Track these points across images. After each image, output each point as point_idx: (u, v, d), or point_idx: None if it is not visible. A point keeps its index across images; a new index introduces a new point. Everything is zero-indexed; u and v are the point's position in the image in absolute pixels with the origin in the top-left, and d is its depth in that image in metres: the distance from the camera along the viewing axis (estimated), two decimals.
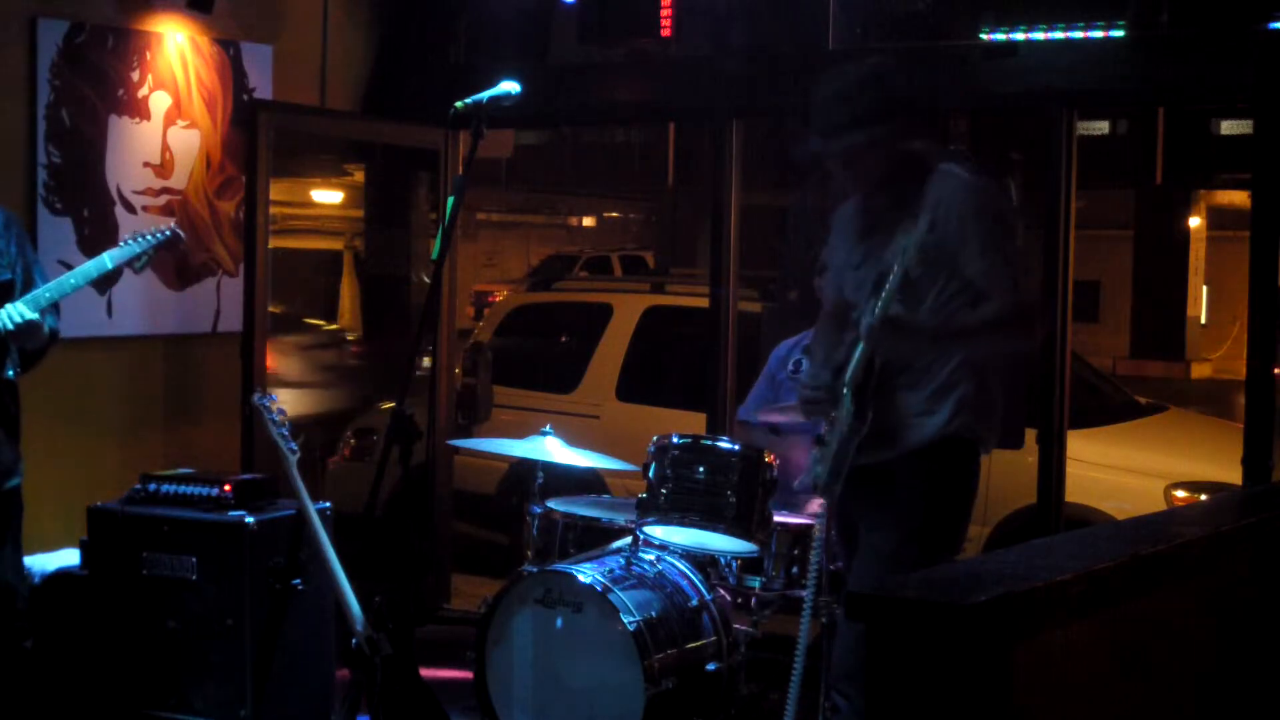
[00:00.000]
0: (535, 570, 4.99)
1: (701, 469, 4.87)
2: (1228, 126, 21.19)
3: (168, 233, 4.95)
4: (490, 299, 19.37)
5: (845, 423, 3.90)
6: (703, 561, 5.09)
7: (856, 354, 3.91)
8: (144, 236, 4.87)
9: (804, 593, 4.31)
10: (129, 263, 4.89)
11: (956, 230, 3.88)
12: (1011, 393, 6.16)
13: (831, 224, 4.31)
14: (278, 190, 6.63)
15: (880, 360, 3.89)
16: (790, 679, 4.20)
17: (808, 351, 5.16)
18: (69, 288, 4.68)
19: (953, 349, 3.94)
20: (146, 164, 6.29)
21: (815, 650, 4.59)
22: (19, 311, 4.52)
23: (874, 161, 4.01)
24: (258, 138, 6.25)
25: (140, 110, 6.25)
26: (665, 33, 6.46)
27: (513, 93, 4.39)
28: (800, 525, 4.97)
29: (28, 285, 4.63)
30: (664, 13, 6.44)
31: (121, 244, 4.85)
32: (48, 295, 4.59)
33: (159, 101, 6.31)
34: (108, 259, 4.76)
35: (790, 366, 5.57)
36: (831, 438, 3.93)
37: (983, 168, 4.10)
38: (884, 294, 3.80)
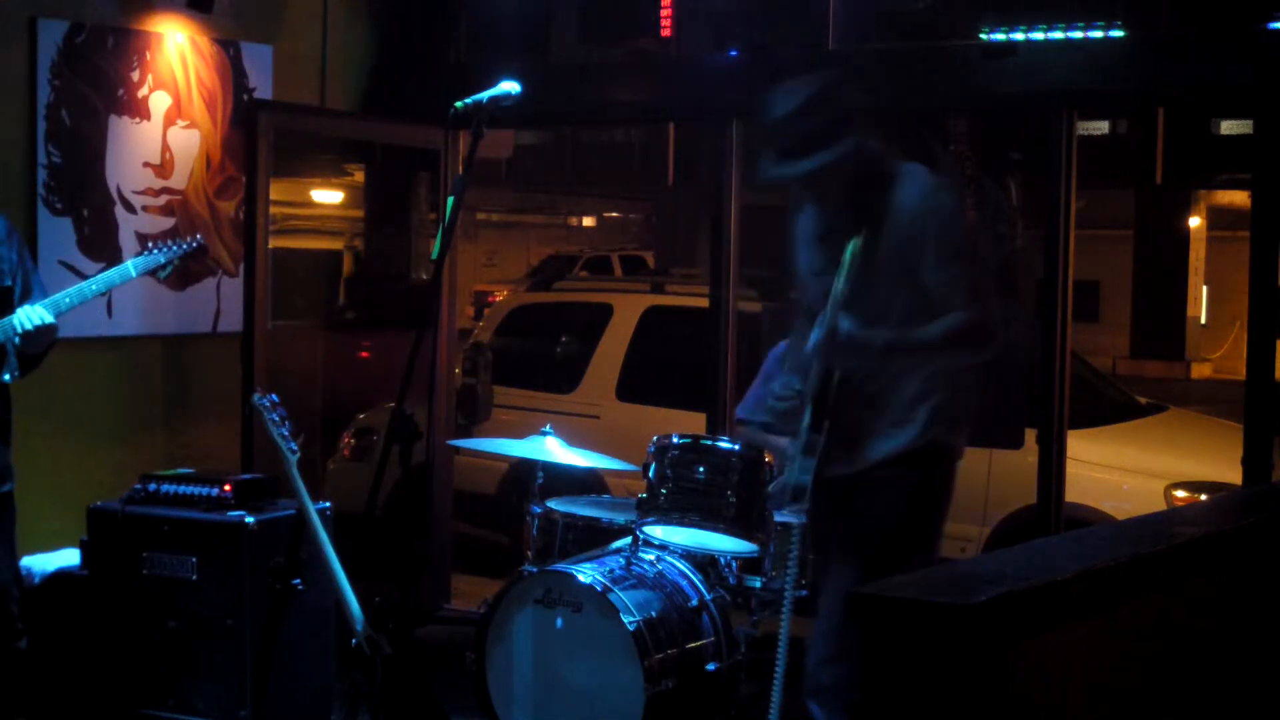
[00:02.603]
0: (535, 570, 4.99)
1: (701, 469, 4.87)
2: (1228, 126, 21.18)
3: (194, 244, 4.95)
4: (490, 299, 19.37)
5: (804, 436, 3.86)
6: (703, 561, 5.09)
7: (813, 368, 3.87)
8: (169, 246, 4.86)
9: (801, 593, 4.30)
10: (153, 271, 4.89)
11: (917, 241, 3.84)
12: (1011, 393, 6.18)
13: (794, 231, 4.23)
14: (278, 190, 6.63)
15: (837, 374, 3.85)
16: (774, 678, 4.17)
17: (783, 360, 5.15)
18: (90, 294, 4.68)
19: (906, 363, 3.89)
20: (146, 164, 6.29)
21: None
22: (38, 314, 4.49)
23: (834, 182, 3.95)
24: (258, 138, 6.25)
25: (140, 110, 6.25)
26: (665, 33, 6.46)
27: (513, 93, 4.39)
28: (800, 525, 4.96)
29: (25, 294, 4.62)
30: (664, 13, 6.44)
31: (146, 253, 4.84)
32: (68, 300, 4.58)
33: (159, 101, 6.32)
34: (131, 267, 4.75)
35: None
36: (794, 450, 3.90)
37: (943, 167, 4.07)
38: (828, 310, 3.77)
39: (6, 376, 4.54)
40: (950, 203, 3.95)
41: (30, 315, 4.48)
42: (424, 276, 7.73)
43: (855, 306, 3.84)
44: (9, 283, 4.61)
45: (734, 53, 6.46)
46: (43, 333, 4.53)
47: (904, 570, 3.79)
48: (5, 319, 4.50)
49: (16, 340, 4.51)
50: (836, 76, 4.03)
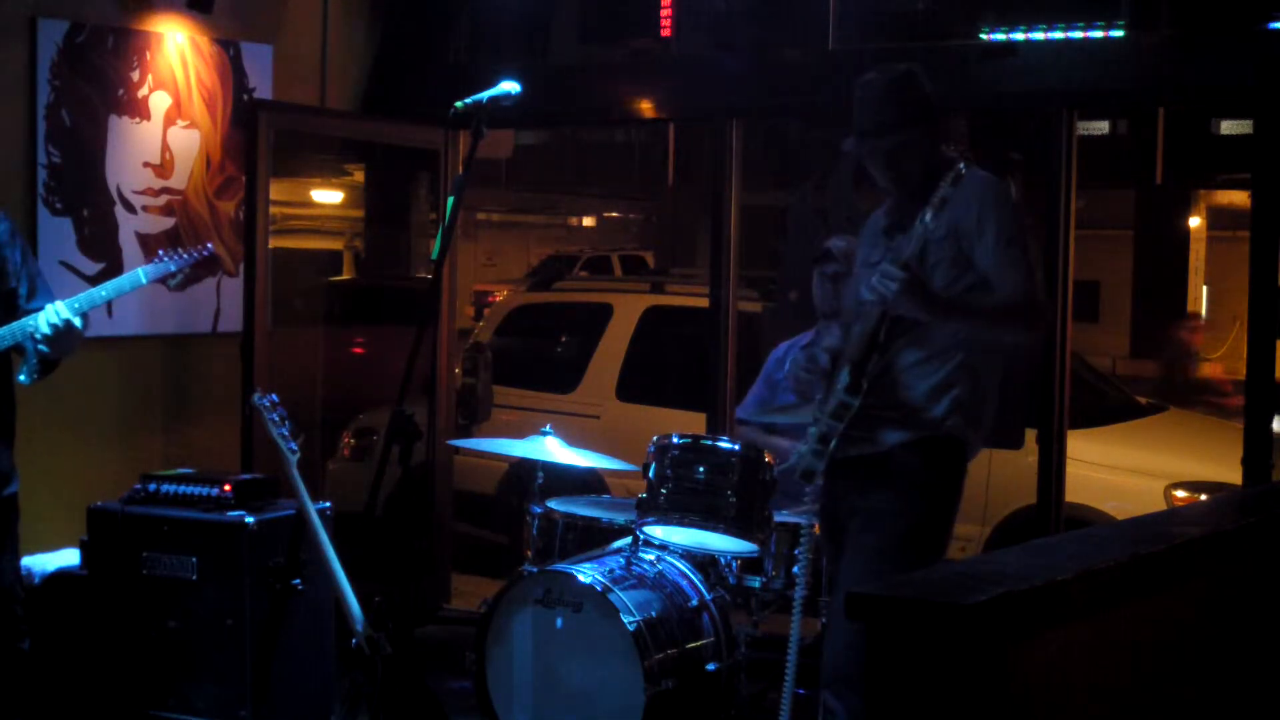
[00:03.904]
0: (535, 570, 4.99)
1: (701, 469, 4.87)
2: (1228, 126, 21.18)
3: (205, 252, 4.94)
4: (490, 299, 19.36)
5: (838, 397, 3.89)
6: (703, 561, 5.09)
7: (860, 329, 3.92)
8: (181, 255, 4.85)
9: (803, 593, 4.30)
10: (163, 279, 4.88)
11: (975, 223, 3.94)
12: (1011, 393, 6.18)
13: (860, 233, 4.36)
14: (278, 190, 6.63)
15: (884, 334, 3.89)
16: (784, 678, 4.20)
17: (807, 349, 5.16)
18: (100, 299, 4.65)
19: (960, 325, 3.97)
20: (146, 164, 6.29)
21: (815, 649, 4.59)
22: (58, 314, 4.45)
23: (915, 162, 4.06)
24: (258, 138, 6.25)
25: (140, 110, 6.25)
26: (665, 33, 6.47)
27: (513, 93, 4.39)
28: (800, 524, 4.96)
29: (32, 295, 4.60)
30: (664, 13, 6.45)
31: (157, 261, 4.84)
32: (78, 305, 4.56)
33: (159, 101, 6.32)
34: (142, 274, 4.74)
35: (787, 366, 5.57)
36: (821, 413, 3.93)
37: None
38: (907, 246, 3.83)
39: (24, 378, 4.51)
40: (1008, 191, 4.06)
41: (50, 315, 4.43)
42: (424, 276, 7.73)
43: None
44: (13, 284, 4.60)
45: (734, 53, 6.45)
46: (65, 335, 4.48)
47: (919, 560, 3.82)
48: (19, 322, 4.46)
49: (43, 346, 4.46)
50: (918, 66, 4.17)
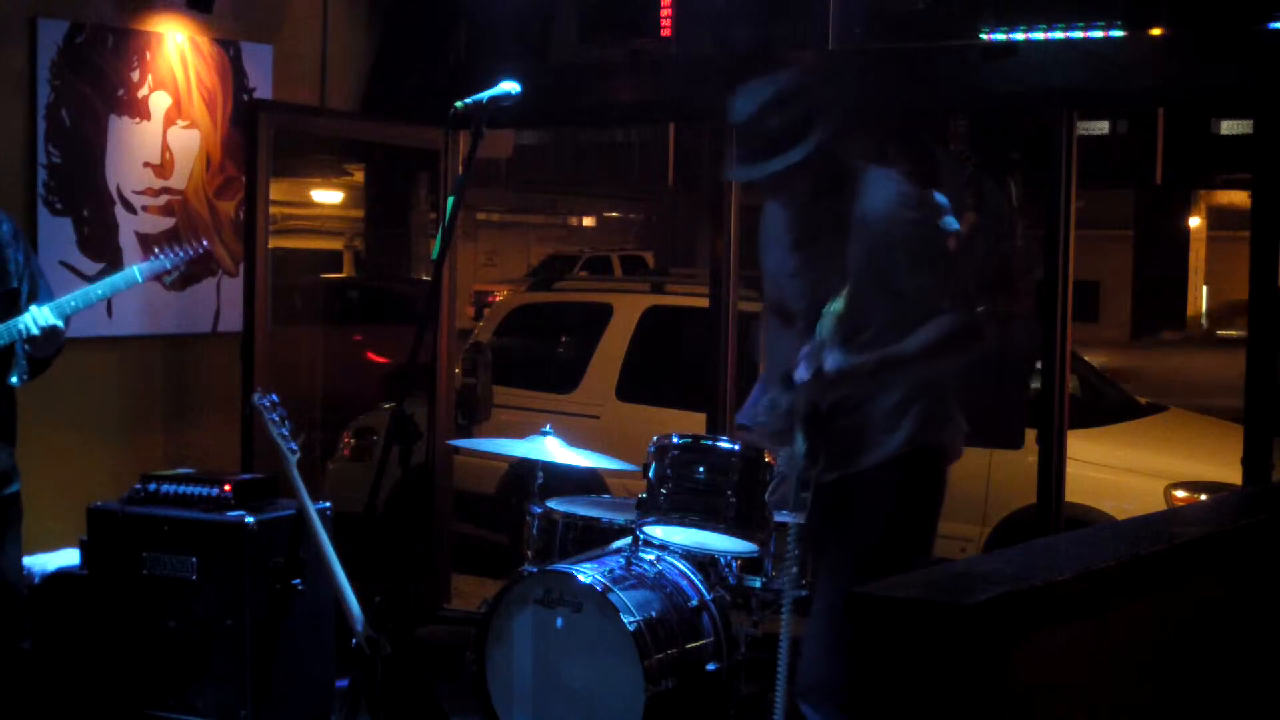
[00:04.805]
0: (535, 570, 4.99)
1: (701, 469, 4.87)
2: (1228, 126, 21.22)
3: (199, 250, 4.96)
4: (490, 299, 19.37)
5: (800, 463, 3.83)
6: (703, 561, 5.09)
7: (799, 393, 3.82)
8: (176, 252, 4.86)
9: (800, 592, 4.30)
10: (159, 276, 4.88)
11: (887, 250, 3.81)
12: (1011, 393, 6.17)
13: (761, 229, 4.20)
14: (278, 190, 6.63)
15: (823, 412, 3.82)
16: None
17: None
18: (95, 298, 4.67)
19: (897, 378, 3.85)
20: (146, 164, 6.29)
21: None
22: (44, 317, 4.47)
23: (800, 181, 3.91)
24: (258, 138, 6.25)
25: (140, 110, 6.25)
26: (665, 33, 6.46)
27: (513, 93, 4.38)
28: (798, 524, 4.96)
29: (32, 296, 4.61)
30: (664, 13, 6.44)
31: (152, 258, 4.85)
32: (73, 304, 4.57)
33: (159, 101, 6.32)
34: (137, 272, 4.75)
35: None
36: (791, 472, 3.88)
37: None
38: (813, 352, 3.73)
39: (15, 379, 4.53)
40: (916, 208, 3.89)
41: (38, 318, 4.46)
42: (424, 276, 7.74)
43: (842, 326, 3.80)
44: (15, 285, 4.61)
45: (734, 53, 6.45)
46: (51, 336, 4.51)
47: (899, 570, 3.79)
48: (13, 321, 4.48)
49: (26, 345, 4.49)
50: (798, 77, 4.00)
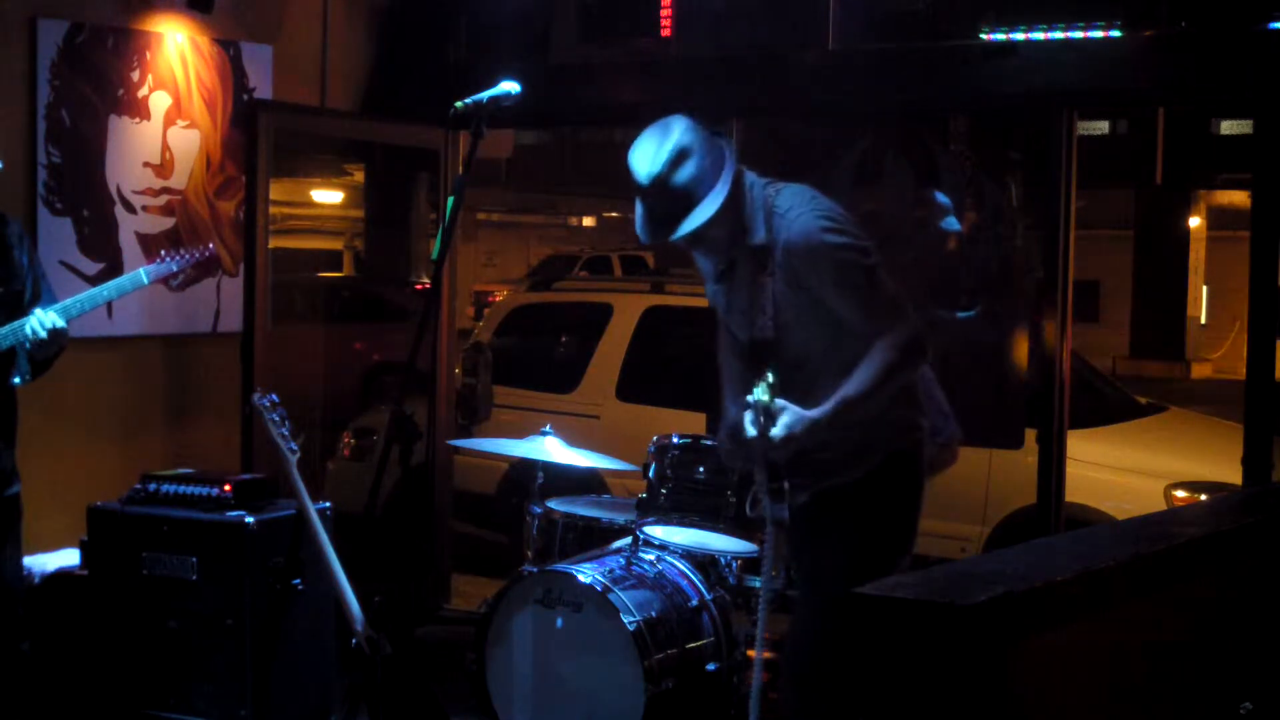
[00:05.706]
0: (535, 570, 4.99)
1: (701, 469, 4.87)
2: (1228, 126, 21.21)
3: (205, 253, 4.96)
4: (490, 299, 19.37)
5: (769, 506, 3.81)
6: (703, 561, 5.09)
7: (751, 448, 3.76)
8: (182, 256, 4.86)
9: (791, 592, 4.30)
10: (165, 279, 4.88)
11: (810, 276, 3.78)
12: (1011, 393, 6.17)
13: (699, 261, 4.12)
14: (278, 190, 6.63)
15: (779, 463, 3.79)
16: (760, 676, 4.16)
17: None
18: (101, 300, 4.67)
19: (853, 416, 3.78)
20: (146, 164, 6.29)
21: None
22: (50, 320, 4.48)
23: (717, 232, 3.85)
24: (258, 138, 6.25)
25: (140, 110, 6.25)
26: (665, 33, 6.46)
27: (513, 93, 4.38)
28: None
29: (35, 298, 4.62)
30: (664, 13, 6.44)
31: (159, 261, 4.85)
32: (78, 306, 4.57)
33: (159, 101, 6.32)
34: (144, 274, 4.75)
35: None
36: (762, 492, 3.86)
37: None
38: (756, 415, 3.67)
39: (18, 380, 4.54)
40: (836, 223, 3.82)
41: (44, 320, 4.47)
42: (424, 276, 7.73)
43: (779, 351, 3.77)
44: (20, 286, 4.61)
45: (734, 52, 6.45)
46: (55, 338, 4.52)
47: (881, 571, 3.78)
48: (19, 323, 4.48)
49: (29, 345, 4.49)
50: (691, 124, 3.86)
